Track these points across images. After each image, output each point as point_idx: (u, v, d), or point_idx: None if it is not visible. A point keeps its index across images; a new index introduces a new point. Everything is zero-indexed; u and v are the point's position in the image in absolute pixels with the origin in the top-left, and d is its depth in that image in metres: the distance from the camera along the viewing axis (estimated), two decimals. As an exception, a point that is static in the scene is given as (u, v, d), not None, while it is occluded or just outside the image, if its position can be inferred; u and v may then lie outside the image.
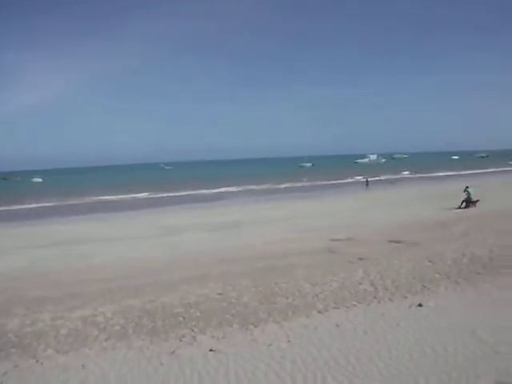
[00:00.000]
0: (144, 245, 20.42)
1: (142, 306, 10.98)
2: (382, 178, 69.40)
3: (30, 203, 47.98)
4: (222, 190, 57.37)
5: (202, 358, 7.89)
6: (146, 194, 55.49)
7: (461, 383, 6.55)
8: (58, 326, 9.99)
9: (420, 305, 10.01)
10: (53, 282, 14.17)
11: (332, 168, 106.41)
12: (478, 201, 27.66)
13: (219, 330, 9.24)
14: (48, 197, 53.32)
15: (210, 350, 8.19)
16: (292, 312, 10.07)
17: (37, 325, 10.14)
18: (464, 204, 27.49)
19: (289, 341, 8.42)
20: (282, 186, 61.58)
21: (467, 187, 28.16)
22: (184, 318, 10.09)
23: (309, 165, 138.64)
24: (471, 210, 26.47)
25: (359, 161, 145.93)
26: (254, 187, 59.89)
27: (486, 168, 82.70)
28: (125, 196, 53.80)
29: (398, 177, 71.86)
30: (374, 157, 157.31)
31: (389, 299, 10.61)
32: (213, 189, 57.71)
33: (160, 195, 53.54)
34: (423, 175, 72.03)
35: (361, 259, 14.50)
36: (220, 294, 11.54)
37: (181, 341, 8.82)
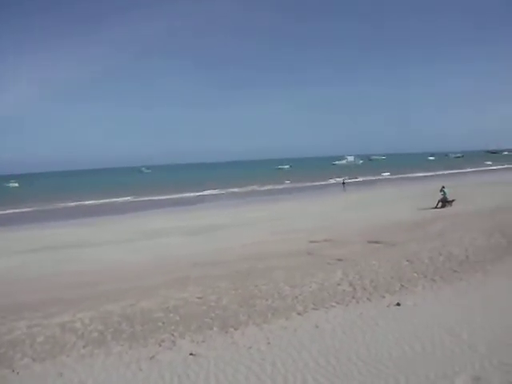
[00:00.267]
0: (124, 249, 20.25)
1: (120, 312, 10.87)
2: (361, 179, 70.03)
3: (6, 209, 46.70)
4: (202, 193, 57.09)
5: (182, 363, 7.85)
6: (129, 197, 54.94)
7: (439, 380, 6.64)
8: (34, 333, 9.82)
9: (398, 304, 10.11)
10: (30, 289, 13.97)
11: (310, 170, 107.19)
12: (453, 200, 28.09)
13: (199, 334, 9.19)
14: (25, 202, 52.38)
15: (190, 354, 8.15)
16: (272, 314, 10.07)
17: (13, 333, 9.96)
18: (440, 204, 27.89)
19: (269, 343, 8.42)
20: (261, 188, 61.69)
21: (443, 187, 28.57)
22: (163, 322, 10.02)
23: (286, 167, 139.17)
24: (447, 209, 26.86)
25: (337, 162, 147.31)
26: (232, 190, 59.89)
27: (462, 168, 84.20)
28: (107, 200, 53.08)
29: (377, 178, 72.54)
30: (351, 158, 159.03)
31: (367, 299, 10.69)
32: (193, 192, 57.40)
33: (142, 199, 53.02)
34: (402, 176, 72.90)
35: (339, 260, 14.60)
36: (199, 298, 11.50)
37: (160, 346, 8.75)
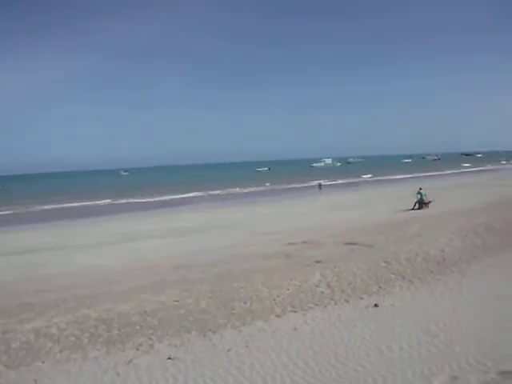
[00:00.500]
0: (101, 252, 20.03)
1: (97, 316, 10.70)
2: (341, 181, 70.56)
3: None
4: (182, 195, 56.81)
5: (160, 367, 7.78)
6: (109, 200, 54.30)
7: (417, 380, 6.71)
8: (8, 339, 9.58)
9: (376, 305, 10.19)
10: (5, 293, 13.68)
11: (288, 172, 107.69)
12: (430, 202, 28.47)
13: (177, 338, 9.12)
14: (3, 205, 51.40)
15: (169, 358, 8.09)
16: (250, 317, 10.05)
17: (-14, 339, 9.74)
18: (417, 205, 28.25)
19: (247, 346, 8.41)
20: (240, 190, 61.70)
21: (420, 189, 28.93)
22: (141, 326, 9.90)
23: (265, 169, 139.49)
24: (424, 211, 27.21)
25: (315, 165, 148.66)
26: (210, 192, 59.67)
27: (440, 170, 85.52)
28: (86, 203, 52.26)
29: (357, 180, 73.05)
30: (329, 161, 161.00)
31: (345, 301, 10.75)
32: (172, 194, 57.12)
33: (122, 201, 52.45)
34: (381, 178, 73.63)
35: (318, 262, 14.63)
36: (177, 301, 11.39)
37: (138, 350, 8.66)
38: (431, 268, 13.19)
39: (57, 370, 8.02)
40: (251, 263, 15.21)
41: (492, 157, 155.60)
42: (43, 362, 8.39)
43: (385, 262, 14.14)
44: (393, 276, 12.58)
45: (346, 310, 10.10)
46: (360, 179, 74.95)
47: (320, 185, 57.30)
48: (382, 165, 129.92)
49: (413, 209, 27.97)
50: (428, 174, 78.39)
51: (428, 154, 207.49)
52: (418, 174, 76.79)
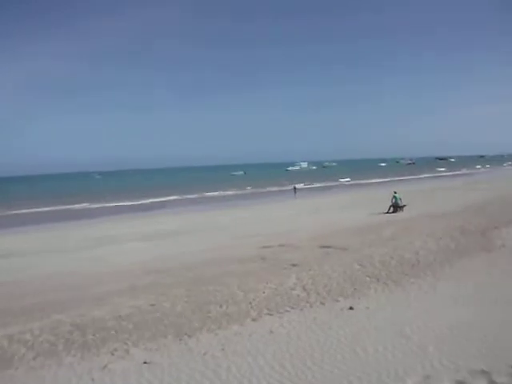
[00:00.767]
0: (77, 257, 19.72)
1: (72, 321, 10.57)
2: (318, 185, 70.97)
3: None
4: (159, 199, 56.25)
5: (136, 372, 7.72)
6: (86, 204, 53.45)
7: (391, 381, 6.80)
8: (-20, 346, 9.43)
9: (351, 308, 10.28)
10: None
11: (264, 176, 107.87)
12: (404, 205, 28.85)
13: (153, 342, 9.06)
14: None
15: (144, 363, 8.03)
16: (226, 320, 10.04)
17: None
18: (392, 209, 28.58)
19: (223, 349, 8.41)
20: (214, 194, 61.48)
21: (395, 192, 29.29)
22: (116, 331, 9.81)
23: (240, 173, 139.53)
24: (399, 214, 27.56)
25: (290, 168, 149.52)
26: (187, 196, 59.24)
27: (415, 174, 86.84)
28: (65, 207, 51.22)
29: (334, 184, 73.50)
30: (304, 164, 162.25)
31: (321, 303, 10.82)
32: (149, 198, 56.53)
33: (98, 206, 51.66)
34: (359, 182, 74.31)
35: (293, 265, 14.70)
36: (153, 305, 11.33)
37: (113, 355, 8.57)
38: (406, 271, 13.38)
39: (31, 376, 7.89)
40: (227, 267, 15.21)
41: (465, 161, 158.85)
42: (16, 369, 8.23)
43: (360, 264, 14.29)
44: (368, 279, 12.73)
45: (321, 312, 10.17)
46: (337, 183, 75.47)
47: (295, 188, 57.47)
48: (358, 168, 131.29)
49: (387, 212, 28.29)
50: (403, 177, 79.47)
51: (402, 158, 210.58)
52: (394, 178, 77.80)
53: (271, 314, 10.25)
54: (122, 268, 16.50)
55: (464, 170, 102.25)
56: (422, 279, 12.44)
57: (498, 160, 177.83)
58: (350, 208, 33.04)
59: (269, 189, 66.20)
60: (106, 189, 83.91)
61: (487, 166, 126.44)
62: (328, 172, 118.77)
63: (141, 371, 7.72)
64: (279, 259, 15.85)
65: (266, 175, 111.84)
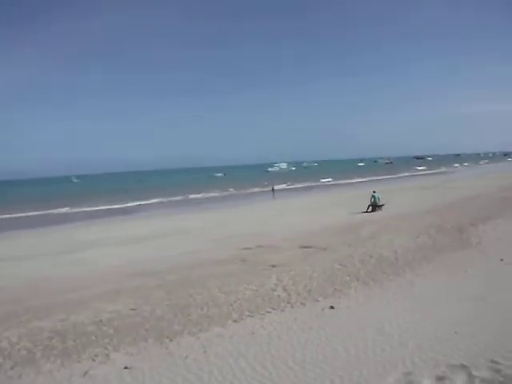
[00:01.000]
0: (54, 262, 19.43)
1: (51, 327, 10.43)
2: (299, 185, 71.17)
3: None
4: (139, 202, 55.65)
5: (117, 377, 7.66)
6: (67, 208, 52.48)
7: (372, 379, 6.89)
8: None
9: (332, 307, 10.37)
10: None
11: (244, 177, 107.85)
12: (383, 205, 29.13)
13: (134, 346, 9.00)
14: None
15: (125, 368, 7.97)
16: (207, 323, 10.03)
17: None
18: (371, 208, 28.84)
19: (205, 351, 8.40)
20: (194, 196, 61.11)
21: (374, 192, 29.56)
22: (96, 336, 9.72)
23: (220, 175, 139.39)
24: (377, 213, 27.81)
25: (270, 169, 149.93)
26: (166, 199, 58.70)
27: (393, 174, 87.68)
28: (45, 212, 50.03)
29: (315, 184, 73.73)
30: (284, 165, 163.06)
31: (301, 304, 10.88)
32: (130, 201, 55.91)
33: (79, 209, 50.84)
34: (340, 182, 74.72)
35: (273, 266, 14.75)
36: (133, 309, 11.25)
37: (94, 360, 8.49)
38: (385, 269, 13.54)
39: (8, 386, 7.77)
40: (207, 269, 15.18)
41: (441, 160, 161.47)
42: (-7, 379, 8.11)
43: (340, 264, 14.41)
44: (348, 278, 12.84)
45: (302, 312, 10.23)
46: (318, 183, 75.77)
47: (273, 189, 57.48)
48: (337, 169, 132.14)
49: (366, 211, 28.53)
50: (382, 177, 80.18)
51: (380, 158, 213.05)
52: (373, 178, 78.42)
53: (252, 316, 10.27)
54: (102, 272, 16.33)
55: (443, 169, 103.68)
56: (400, 277, 12.62)
57: (474, 158, 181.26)
58: (330, 208, 33.22)
59: (251, 190, 66.13)
60: (86, 193, 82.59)
61: (465, 164, 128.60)
62: (308, 172, 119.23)
63: (122, 376, 7.66)
64: (259, 260, 15.88)
65: (247, 176, 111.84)
